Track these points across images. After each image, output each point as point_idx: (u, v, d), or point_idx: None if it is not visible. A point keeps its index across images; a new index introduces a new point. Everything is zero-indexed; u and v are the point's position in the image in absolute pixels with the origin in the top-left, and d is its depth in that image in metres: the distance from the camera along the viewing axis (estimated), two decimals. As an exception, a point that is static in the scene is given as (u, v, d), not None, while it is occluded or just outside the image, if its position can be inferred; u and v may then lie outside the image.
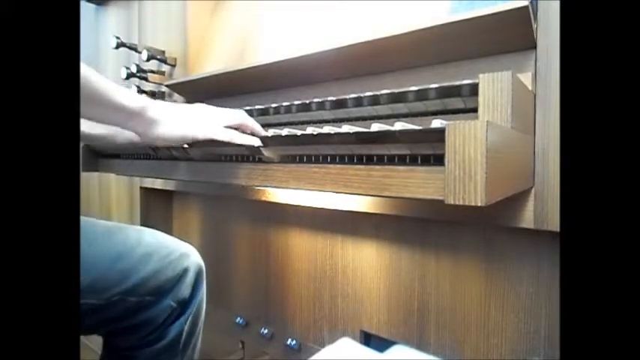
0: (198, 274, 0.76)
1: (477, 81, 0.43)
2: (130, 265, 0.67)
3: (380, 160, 0.44)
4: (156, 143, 0.60)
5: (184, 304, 0.73)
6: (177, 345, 0.72)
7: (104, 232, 0.69)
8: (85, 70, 0.48)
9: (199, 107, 0.62)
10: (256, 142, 0.54)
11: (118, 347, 0.72)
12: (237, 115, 0.62)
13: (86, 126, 0.76)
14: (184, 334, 0.73)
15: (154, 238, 0.73)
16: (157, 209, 1.26)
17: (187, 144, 0.65)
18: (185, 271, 0.73)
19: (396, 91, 0.56)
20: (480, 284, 0.69)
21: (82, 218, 0.63)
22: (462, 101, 0.54)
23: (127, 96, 0.54)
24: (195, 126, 0.59)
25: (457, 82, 0.50)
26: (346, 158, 0.47)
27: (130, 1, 1.27)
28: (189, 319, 0.74)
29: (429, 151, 0.40)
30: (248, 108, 0.75)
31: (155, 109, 0.57)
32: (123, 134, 0.76)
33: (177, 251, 0.73)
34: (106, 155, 0.93)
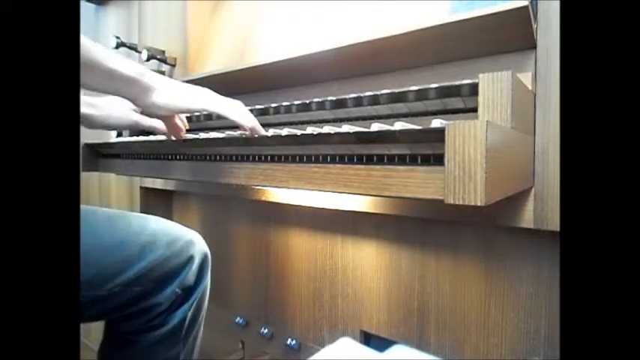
0: (204, 260, 0.76)
1: (476, 81, 0.43)
2: (133, 253, 0.66)
3: (380, 160, 0.44)
4: (151, 111, 0.61)
5: (189, 291, 0.73)
6: (179, 331, 0.72)
7: (105, 219, 0.69)
8: (81, 39, 0.48)
9: (198, 86, 0.64)
10: (250, 123, 0.56)
11: (121, 332, 0.72)
12: (234, 103, 0.63)
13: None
14: (187, 320, 0.73)
15: (158, 225, 0.72)
16: (156, 209, 1.26)
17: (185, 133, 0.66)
18: (190, 258, 0.73)
19: (396, 91, 0.56)
20: (479, 284, 0.69)
21: (83, 207, 0.62)
22: (462, 101, 0.54)
23: (124, 63, 0.55)
24: (191, 97, 0.61)
25: (457, 82, 0.50)
26: (346, 158, 0.47)
27: (130, 1, 1.27)
28: (194, 305, 0.73)
29: (428, 151, 0.40)
30: (248, 108, 0.75)
31: (152, 76, 0.58)
32: (115, 116, 0.76)
33: (182, 239, 0.73)
34: (106, 155, 0.93)
